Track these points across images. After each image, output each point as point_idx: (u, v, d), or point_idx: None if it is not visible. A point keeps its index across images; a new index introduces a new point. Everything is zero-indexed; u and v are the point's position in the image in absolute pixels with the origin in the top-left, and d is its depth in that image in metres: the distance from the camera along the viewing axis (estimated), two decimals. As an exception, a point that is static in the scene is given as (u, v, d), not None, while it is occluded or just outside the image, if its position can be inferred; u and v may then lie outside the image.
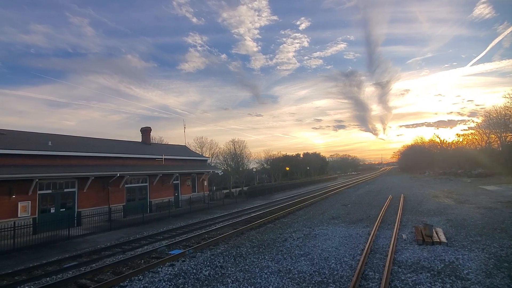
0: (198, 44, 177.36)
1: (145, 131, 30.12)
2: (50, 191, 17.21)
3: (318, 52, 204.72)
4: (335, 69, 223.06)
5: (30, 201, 16.03)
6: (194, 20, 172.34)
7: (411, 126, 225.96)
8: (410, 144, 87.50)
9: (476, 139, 57.29)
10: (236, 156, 42.94)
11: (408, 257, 8.40)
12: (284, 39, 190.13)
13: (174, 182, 25.76)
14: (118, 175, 19.81)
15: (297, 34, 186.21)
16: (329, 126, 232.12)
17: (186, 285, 7.36)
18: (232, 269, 8.45)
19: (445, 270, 7.25)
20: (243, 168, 45.89)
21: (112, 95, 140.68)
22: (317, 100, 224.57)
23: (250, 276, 7.84)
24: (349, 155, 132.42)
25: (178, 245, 11.45)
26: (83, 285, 7.74)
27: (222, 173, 44.65)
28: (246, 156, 45.96)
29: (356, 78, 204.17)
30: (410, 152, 79.74)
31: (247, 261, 9.16)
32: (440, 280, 6.65)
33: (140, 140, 30.31)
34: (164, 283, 7.33)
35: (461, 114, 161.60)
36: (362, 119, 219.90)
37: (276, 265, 8.62)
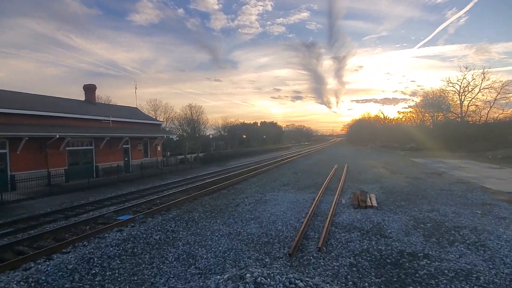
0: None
1: (89, 89, 27.18)
2: (-28, 152, 15.02)
3: (281, 19, 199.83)
4: (297, 38, 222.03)
5: None
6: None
7: (361, 102, 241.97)
8: (358, 118, 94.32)
9: (413, 117, 64.17)
10: (192, 122, 41.74)
11: (345, 219, 9.49)
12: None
13: (124, 146, 24.35)
14: (58, 136, 17.95)
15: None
16: (287, 96, 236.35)
17: (135, 249, 7.37)
18: (184, 233, 8.66)
19: (372, 229, 8.40)
20: (199, 134, 45.07)
21: (48, 45, 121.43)
22: (277, 69, 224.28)
23: (201, 239, 8.15)
24: (304, 126, 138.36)
25: (128, 211, 11.20)
26: (21, 252, 7.26)
27: (177, 138, 43.38)
28: (203, 122, 45.03)
29: (316, 50, 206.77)
30: (357, 126, 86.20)
31: (199, 225, 9.43)
32: (367, 238, 7.72)
33: (83, 98, 27.40)
34: (111, 248, 7.23)
35: (404, 93, 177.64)
36: (319, 92, 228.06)
37: (227, 228, 9.04)
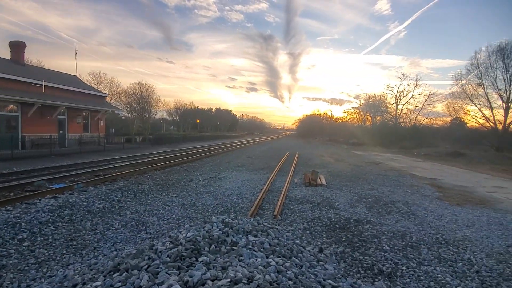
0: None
1: (17, 46, 23.02)
2: None
3: (240, 6, 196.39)
4: (255, 28, 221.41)
5: None
6: None
7: (311, 99, 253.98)
8: (309, 114, 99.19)
9: (356, 117, 70.23)
10: (142, 100, 38.63)
11: (297, 194, 9.88)
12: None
13: (59, 116, 21.46)
14: (-28, 96, 14.94)
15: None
16: (242, 87, 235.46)
17: (73, 217, 6.56)
18: (132, 203, 8.04)
19: (322, 202, 8.91)
20: (149, 117, 42.01)
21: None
22: (233, 58, 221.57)
23: (152, 208, 7.66)
24: (257, 118, 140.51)
25: (64, 180, 9.93)
26: None
27: (124, 117, 39.90)
28: (154, 102, 42.01)
29: (273, 44, 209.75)
30: (307, 121, 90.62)
31: (149, 196, 8.86)
32: (318, 209, 8.16)
33: (8, 57, 23.19)
34: (43, 214, 6.31)
35: (349, 95, 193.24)
36: (273, 86, 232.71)
37: (180, 200, 8.66)
